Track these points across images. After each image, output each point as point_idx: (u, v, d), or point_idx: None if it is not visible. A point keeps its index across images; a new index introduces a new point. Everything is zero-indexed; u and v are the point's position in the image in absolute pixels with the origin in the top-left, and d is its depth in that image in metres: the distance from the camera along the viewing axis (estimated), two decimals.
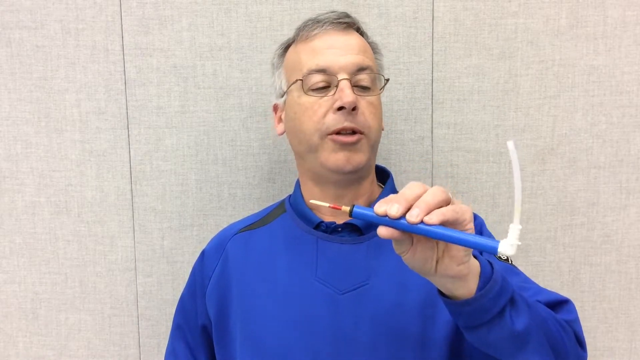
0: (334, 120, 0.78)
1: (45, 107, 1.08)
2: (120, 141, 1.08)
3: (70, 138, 1.09)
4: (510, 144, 0.51)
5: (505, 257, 0.89)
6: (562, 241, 1.08)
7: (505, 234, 0.55)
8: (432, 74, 1.05)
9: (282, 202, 0.92)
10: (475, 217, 0.93)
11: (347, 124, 0.78)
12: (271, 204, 0.97)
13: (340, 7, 1.04)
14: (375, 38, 0.92)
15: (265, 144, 1.07)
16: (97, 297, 1.11)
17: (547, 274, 1.09)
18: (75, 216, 1.10)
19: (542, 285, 1.08)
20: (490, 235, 0.92)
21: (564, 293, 1.09)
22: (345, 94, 0.77)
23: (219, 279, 0.87)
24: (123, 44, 1.06)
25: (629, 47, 1.05)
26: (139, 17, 1.06)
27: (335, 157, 0.79)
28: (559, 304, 0.79)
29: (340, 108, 0.78)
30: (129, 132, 1.08)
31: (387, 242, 0.83)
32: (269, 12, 1.05)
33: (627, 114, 1.06)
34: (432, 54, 1.05)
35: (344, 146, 0.78)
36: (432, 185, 0.57)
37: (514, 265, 0.88)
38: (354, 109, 0.78)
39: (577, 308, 1.10)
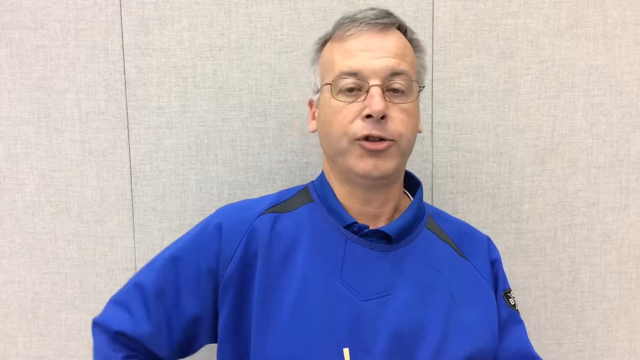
0: (362, 127, 0.76)
1: (45, 107, 1.08)
2: (120, 141, 1.08)
3: (70, 138, 1.08)
4: None
5: (513, 303, 0.87)
6: (562, 241, 1.08)
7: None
8: (432, 74, 1.05)
9: (305, 189, 0.88)
10: (491, 249, 0.89)
11: (374, 131, 0.75)
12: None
13: (340, 7, 1.04)
14: None
15: (265, 144, 1.07)
16: (97, 297, 1.11)
17: (547, 274, 1.09)
18: (75, 216, 1.10)
19: (542, 285, 1.09)
20: (504, 277, 0.89)
21: (564, 293, 1.09)
22: (375, 102, 0.74)
23: (242, 264, 0.79)
24: (123, 44, 1.06)
25: (629, 47, 1.05)
26: (139, 17, 1.06)
27: (363, 163, 0.77)
28: None
29: (369, 116, 0.75)
30: (129, 132, 1.08)
31: (412, 255, 0.81)
32: (269, 12, 1.05)
33: (627, 114, 1.06)
34: (432, 54, 1.05)
35: (372, 153, 0.76)
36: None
37: (517, 311, 0.88)
38: (383, 117, 0.75)
39: (577, 308, 1.11)
